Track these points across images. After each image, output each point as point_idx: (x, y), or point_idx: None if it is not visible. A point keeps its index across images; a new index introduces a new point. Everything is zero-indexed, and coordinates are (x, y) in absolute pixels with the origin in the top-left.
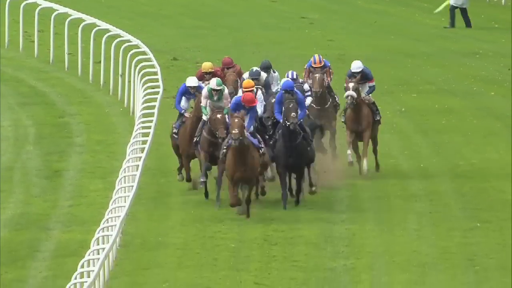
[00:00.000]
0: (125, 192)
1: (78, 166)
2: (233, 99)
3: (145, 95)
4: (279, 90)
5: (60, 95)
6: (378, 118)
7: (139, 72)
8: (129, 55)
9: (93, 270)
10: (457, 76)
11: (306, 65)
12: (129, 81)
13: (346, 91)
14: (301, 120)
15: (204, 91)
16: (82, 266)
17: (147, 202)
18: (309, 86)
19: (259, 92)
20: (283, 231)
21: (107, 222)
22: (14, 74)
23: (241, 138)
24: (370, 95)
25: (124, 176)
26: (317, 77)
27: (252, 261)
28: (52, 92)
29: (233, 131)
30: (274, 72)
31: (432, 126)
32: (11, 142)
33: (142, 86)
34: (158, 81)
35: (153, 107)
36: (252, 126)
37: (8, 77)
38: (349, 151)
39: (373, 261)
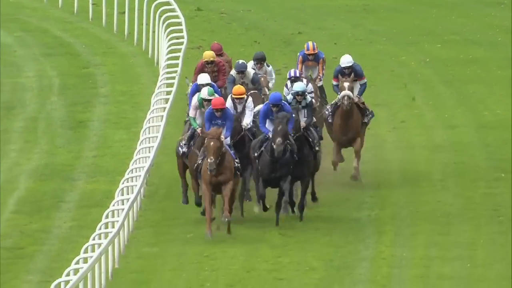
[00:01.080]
0: (149, 143)
1: (103, 117)
2: (208, 108)
3: (169, 46)
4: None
5: (85, 46)
6: (365, 120)
7: (163, 23)
8: (153, 6)
9: (118, 221)
10: (481, 26)
11: (299, 53)
12: (154, 32)
13: (337, 89)
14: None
15: (194, 101)
16: (107, 217)
17: (171, 153)
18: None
19: (250, 99)
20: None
21: (132, 173)
22: (39, 25)
23: (216, 166)
24: (359, 96)
25: (149, 127)
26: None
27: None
28: (76, 43)
29: (209, 159)
30: (268, 66)
31: (456, 77)
32: (36, 93)
33: (166, 37)
34: (182, 32)
35: (177, 57)
36: (229, 138)
37: (33, 27)
38: (335, 159)
39: (397, 212)
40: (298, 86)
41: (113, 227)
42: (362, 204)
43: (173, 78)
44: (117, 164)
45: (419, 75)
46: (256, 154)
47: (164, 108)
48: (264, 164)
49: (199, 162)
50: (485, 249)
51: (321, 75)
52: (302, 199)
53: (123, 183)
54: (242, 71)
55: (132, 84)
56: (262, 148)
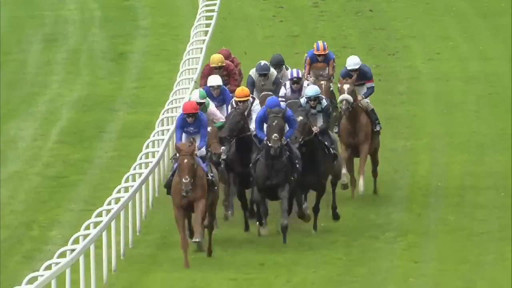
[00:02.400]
0: (189, 74)
1: (143, 49)
2: (180, 114)
3: None
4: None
5: None
6: (378, 128)
7: None
8: None
9: (158, 151)
10: None
11: (306, 54)
12: None
13: (340, 93)
14: (288, 139)
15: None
16: (147, 147)
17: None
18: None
19: (256, 102)
20: None
21: (172, 104)
22: None
23: (190, 187)
24: (369, 101)
25: (188, 59)
26: (323, 85)
27: None
28: None
29: (184, 180)
30: (287, 69)
31: (491, 9)
32: (78, 25)
33: None
34: None
35: None
36: (204, 147)
37: None
38: (343, 170)
39: (432, 142)
40: (312, 90)
41: (153, 157)
42: (398, 135)
43: (212, 11)
44: (157, 95)
45: (454, 7)
46: (252, 163)
47: (203, 40)
48: (259, 170)
49: (170, 178)
50: None
51: (332, 78)
52: (317, 207)
53: (163, 113)
54: (264, 74)
55: (172, 16)
56: (258, 156)
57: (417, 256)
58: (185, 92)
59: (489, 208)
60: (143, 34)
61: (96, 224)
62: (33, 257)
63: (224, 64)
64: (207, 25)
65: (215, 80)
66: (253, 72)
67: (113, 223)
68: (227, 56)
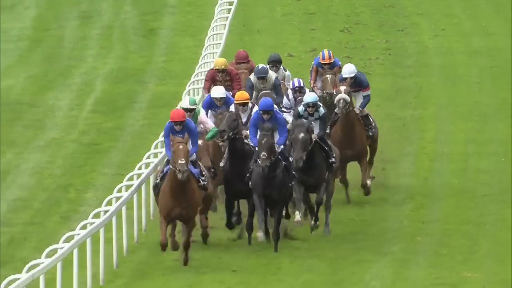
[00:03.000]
0: (213, 49)
1: (171, 25)
2: (167, 123)
3: None
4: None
5: None
6: (370, 133)
7: None
8: None
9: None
10: None
11: (312, 62)
12: None
13: (337, 94)
14: (281, 147)
15: None
16: None
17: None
18: (318, 90)
19: (255, 109)
20: None
21: (197, 76)
22: None
23: (187, 169)
24: (366, 108)
25: (213, 34)
26: (328, 78)
27: None
28: None
29: (179, 161)
30: (285, 70)
31: None
32: (111, 2)
33: None
34: None
35: None
36: (195, 153)
37: None
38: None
39: (438, 111)
40: (310, 97)
41: None
42: (406, 105)
43: None
44: (184, 68)
45: None
46: (249, 170)
47: (227, 17)
48: (255, 179)
49: (158, 181)
50: None
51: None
52: (317, 209)
53: (189, 85)
54: (263, 77)
55: None
56: (253, 166)
57: (423, 217)
58: (209, 65)
59: (490, 172)
60: (171, 12)
61: (127, 187)
62: (69, 217)
63: (227, 68)
64: (230, 3)
65: (219, 92)
66: (252, 76)
67: (143, 187)
68: (245, 58)
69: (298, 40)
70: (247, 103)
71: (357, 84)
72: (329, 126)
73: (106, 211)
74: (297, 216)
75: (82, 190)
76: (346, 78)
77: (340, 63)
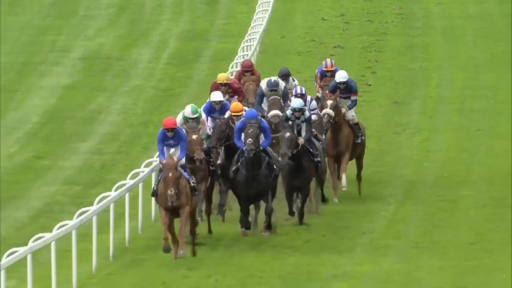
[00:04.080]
0: (262, 14)
1: None
2: (161, 130)
3: None
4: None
5: None
6: (359, 141)
7: None
8: None
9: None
10: None
11: (316, 70)
12: None
13: (323, 108)
14: (265, 147)
15: (179, 119)
16: (232, 67)
17: (280, 21)
18: (318, 97)
19: None
20: (377, 40)
21: (249, 36)
22: None
23: (176, 197)
24: (354, 115)
25: (262, 2)
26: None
27: None
28: None
29: (169, 192)
30: (294, 81)
31: None
32: None
33: None
34: None
35: None
36: (184, 158)
37: None
38: (344, 183)
39: (440, 64)
40: (296, 102)
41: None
42: (415, 59)
43: None
44: (239, 30)
45: None
46: (233, 169)
47: None
48: (240, 179)
49: (155, 187)
50: (506, 90)
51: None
52: (302, 208)
53: (243, 43)
54: (274, 89)
55: None
56: (239, 164)
57: (429, 147)
58: (259, 27)
59: (482, 112)
60: None
61: None
62: (149, 148)
63: (229, 82)
64: None
65: (217, 96)
66: (263, 85)
67: None
68: (250, 66)
69: (330, 7)
70: (242, 114)
71: (347, 89)
72: (325, 130)
73: None
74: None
75: (159, 126)
76: (339, 83)
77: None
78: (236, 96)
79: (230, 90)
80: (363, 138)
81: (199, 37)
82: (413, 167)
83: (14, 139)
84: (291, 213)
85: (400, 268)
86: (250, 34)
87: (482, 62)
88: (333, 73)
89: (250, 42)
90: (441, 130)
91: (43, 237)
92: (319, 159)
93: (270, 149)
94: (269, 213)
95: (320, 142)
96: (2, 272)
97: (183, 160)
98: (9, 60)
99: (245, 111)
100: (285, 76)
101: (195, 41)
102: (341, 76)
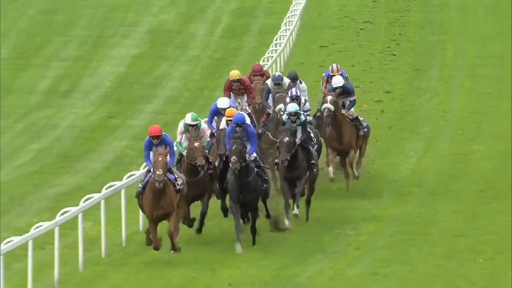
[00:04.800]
0: None
1: None
2: (147, 137)
3: None
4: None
5: None
6: (361, 133)
7: None
8: None
9: (282, 42)
10: None
11: (323, 73)
12: None
13: (323, 103)
14: (253, 155)
15: (180, 126)
16: (276, 40)
17: (316, 0)
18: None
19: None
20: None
21: (291, 13)
22: None
23: (164, 178)
24: (353, 110)
25: None
26: (328, 100)
27: None
28: None
29: (157, 172)
30: (301, 83)
31: None
32: None
33: None
34: None
35: None
36: (173, 162)
37: None
38: (330, 168)
39: (455, 36)
40: (291, 107)
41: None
42: (433, 32)
43: None
44: (283, 7)
45: None
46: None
47: None
48: (231, 186)
49: (140, 190)
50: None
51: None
52: (298, 199)
53: (286, 19)
54: (278, 83)
55: None
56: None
57: (445, 108)
58: (300, 5)
59: (491, 78)
60: None
61: None
62: (205, 109)
63: (241, 78)
64: None
65: (224, 102)
66: (269, 82)
67: None
68: (259, 70)
69: None
70: None
71: (345, 92)
72: (326, 127)
73: None
74: (295, 210)
75: (213, 90)
76: (336, 88)
77: (346, 75)
78: (247, 97)
79: (242, 86)
80: (367, 130)
81: (248, 14)
82: (431, 125)
83: (89, 101)
84: (287, 206)
85: (420, 212)
86: (291, 11)
87: (491, 35)
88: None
89: (291, 18)
90: (456, 94)
91: (114, 185)
92: (313, 161)
93: (257, 152)
94: (254, 219)
95: (315, 146)
96: (80, 215)
97: (173, 163)
98: (85, 33)
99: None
100: (293, 79)
101: (245, 17)
102: (337, 81)
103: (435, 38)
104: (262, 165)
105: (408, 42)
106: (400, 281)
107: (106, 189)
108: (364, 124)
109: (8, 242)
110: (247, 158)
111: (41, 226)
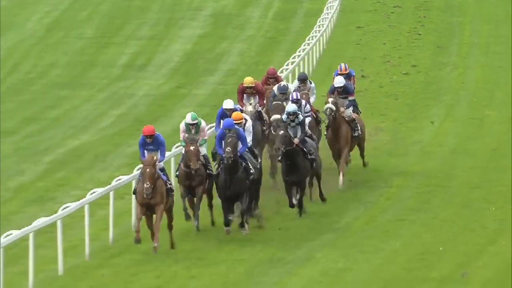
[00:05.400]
0: None
1: None
2: (141, 136)
3: None
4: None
5: None
6: (355, 134)
7: None
8: None
9: (324, 23)
10: None
11: (334, 73)
12: None
13: (326, 103)
14: (242, 153)
15: (182, 125)
16: (319, 22)
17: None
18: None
19: (249, 123)
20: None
21: (330, 3)
22: None
23: (152, 191)
24: (351, 111)
25: None
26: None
27: None
28: None
29: (145, 185)
30: (311, 83)
31: None
32: None
33: None
34: None
35: None
36: (162, 163)
37: None
38: (341, 180)
39: (472, 19)
40: (290, 107)
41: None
42: (453, 14)
43: None
44: None
45: None
46: (215, 173)
47: None
48: (220, 183)
49: (135, 186)
50: None
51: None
52: (300, 200)
53: (327, 3)
54: (283, 92)
55: None
56: (219, 169)
57: (463, 79)
58: None
59: (502, 54)
60: None
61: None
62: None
63: (254, 85)
64: None
65: (229, 104)
66: (275, 89)
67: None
68: (273, 74)
69: None
70: (241, 122)
71: (345, 92)
72: (326, 128)
73: None
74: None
75: (266, 64)
76: (337, 87)
77: (354, 73)
78: (259, 101)
79: (255, 91)
80: (360, 132)
81: (295, 0)
82: (451, 94)
83: (161, 74)
84: (291, 205)
85: (441, 167)
86: (330, 2)
87: (502, 17)
88: (347, 75)
89: (332, 3)
90: (472, 67)
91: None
92: (313, 156)
93: (249, 155)
94: (243, 213)
95: (314, 141)
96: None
97: (161, 164)
98: (158, 16)
99: (245, 119)
100: (303, 80)
101: (292, 3)
102: (338, 81)
103: (455, 20)
104: (249, 164)
105: (432, 24)
106: (424, 226)
107: (175, 148)
108: (358, 127)
109: (93, 193)
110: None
111: (120, 179)
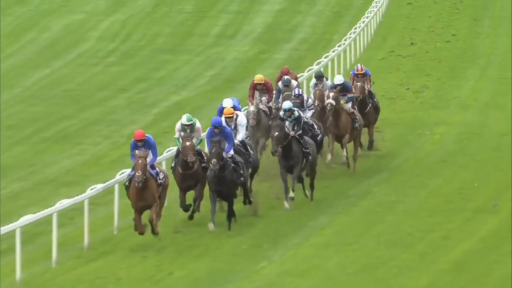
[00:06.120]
0: None
1: None
2: (132, 140)
3: None
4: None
5: None
6: (356, 125)
7: None
8: None
9: (380, 1)
10: None
11: (351, 72)
12: None
13: (327, 99)
14: (230, 153)
15: (178, 125)
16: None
17: None
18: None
19: (240, 117)
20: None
21: None
22: None
23: (144, 179)
24: (350, 105)
25: None
26: (358, 85)
27: None
28: None
29: (137, 173)
30: (327, 80)
31: None
32: None
33: None
34: None
35: None
36: (155, 160)
37: None
38: (329, 157)
39: (474, 13)
40: (286, 104)
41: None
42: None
43: None
44: None
45: None
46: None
47: None
48: (210, 178)
49: (127, 184)
50: None
51: (369, 86)
52: (293, 183)
53: None
54: (287, 85)
55: None
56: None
57: (495, 46)
58: None
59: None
60: None
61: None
62: (326, 47)
63: (263, 82)
64: None
65: (227, 102)
66: (280, 83)
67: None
68: (287, 72)
69: None
70: (232, 116)
71: (344, 89)
72: (327, 117)
73: None
74: (291, 193)
75: (332, 34)
76: (337, 85)
77: (370, 73)
78: (268, 96)
79: (264, 88)
80: (359, 124)
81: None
82: (484, 58)
83: (246, 42)
84: (286, 190)
85: (477, 118)
86: None
87: (506, 14)
88: (363, 75)
89: None
90: (502, 36)
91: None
92: (308, 150)
93: (234, 158)
94: (230, 207)
95: (320, 136)
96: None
97: (154, 161)
98: None
99: (236, 114)
100: (319, 77)
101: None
102: (337, 79)
103: (469, 3)
104: (238, 161)
105: (469, 0)
106: (462, 166)
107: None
108: (357, 118)
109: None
110: (225, 156)
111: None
